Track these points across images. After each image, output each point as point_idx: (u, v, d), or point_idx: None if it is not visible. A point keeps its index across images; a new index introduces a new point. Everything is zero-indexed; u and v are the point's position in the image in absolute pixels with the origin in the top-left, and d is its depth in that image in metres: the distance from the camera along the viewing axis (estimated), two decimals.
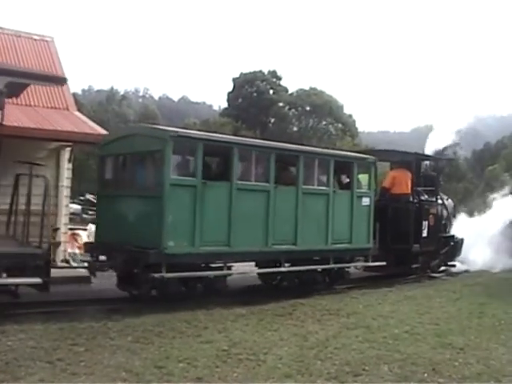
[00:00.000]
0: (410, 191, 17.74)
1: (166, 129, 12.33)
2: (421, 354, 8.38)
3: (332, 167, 14.23)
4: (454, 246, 20.16)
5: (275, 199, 12.90)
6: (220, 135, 14.30)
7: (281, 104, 58.43)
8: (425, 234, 18.14)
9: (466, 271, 20.68)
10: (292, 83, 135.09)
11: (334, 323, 10.39)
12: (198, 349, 8.22)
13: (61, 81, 10.59)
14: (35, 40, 18.90)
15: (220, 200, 12.00)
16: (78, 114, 17.43)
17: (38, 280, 9.85)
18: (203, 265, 12.26)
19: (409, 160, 18.22)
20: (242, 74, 59.89)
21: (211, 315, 10.55)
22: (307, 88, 60.58)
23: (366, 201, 15.11)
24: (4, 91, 9.49)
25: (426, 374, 7.44)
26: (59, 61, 18.69)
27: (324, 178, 14.31)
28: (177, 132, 11.72)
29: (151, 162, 12.22)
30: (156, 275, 11.09)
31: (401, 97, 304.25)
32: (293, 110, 59.48)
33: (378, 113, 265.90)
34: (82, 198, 38.10)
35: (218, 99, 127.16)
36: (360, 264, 15.97)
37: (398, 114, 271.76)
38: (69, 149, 16.70)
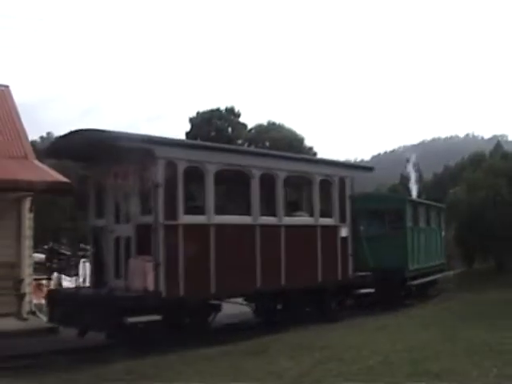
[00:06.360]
0: None
1: (404, 195, 25.82)
2: None
3: (437, 214, 25.08)
4: None
5: (426, 235, 22.79)
6: (415, 198, 26.82)
7: (240, 141, 58.52)
8: None
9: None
10: (251, 118, 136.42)
11: (306, 359, 10.21)
12: None
13: (370, 169, 19.78)
14: None
15: (417, 236, 21.44)
16: (37, 162, 16.91)
17: None
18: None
19: None
20: (198, 113, 59.93)
21: (182, 357, 10.29)
22: (265, 123, 61.06)
23: (442, 233, 25.91)
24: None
25: None
26: (16, 109, 18.29)
27: (436, 221, 25.06)
28: (409, 197, 24.09)
29: (390, 215, 20.82)
30: (410, 284, 20.10)
31: (360, 125, 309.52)
32: (252, 147, 59.68)
33: (339, 142, 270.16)
34: (45, 246, 36.85)
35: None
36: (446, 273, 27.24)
37: (357, 142, 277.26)
38: (29, 198, 16.31)
